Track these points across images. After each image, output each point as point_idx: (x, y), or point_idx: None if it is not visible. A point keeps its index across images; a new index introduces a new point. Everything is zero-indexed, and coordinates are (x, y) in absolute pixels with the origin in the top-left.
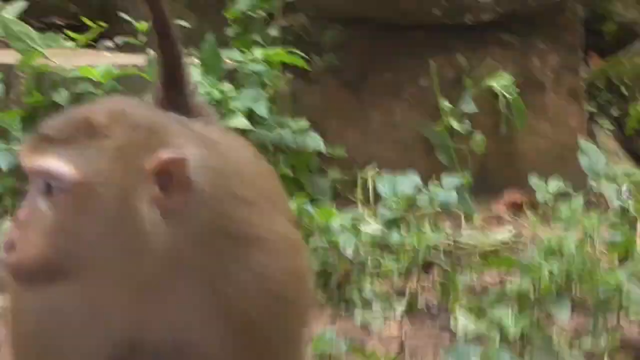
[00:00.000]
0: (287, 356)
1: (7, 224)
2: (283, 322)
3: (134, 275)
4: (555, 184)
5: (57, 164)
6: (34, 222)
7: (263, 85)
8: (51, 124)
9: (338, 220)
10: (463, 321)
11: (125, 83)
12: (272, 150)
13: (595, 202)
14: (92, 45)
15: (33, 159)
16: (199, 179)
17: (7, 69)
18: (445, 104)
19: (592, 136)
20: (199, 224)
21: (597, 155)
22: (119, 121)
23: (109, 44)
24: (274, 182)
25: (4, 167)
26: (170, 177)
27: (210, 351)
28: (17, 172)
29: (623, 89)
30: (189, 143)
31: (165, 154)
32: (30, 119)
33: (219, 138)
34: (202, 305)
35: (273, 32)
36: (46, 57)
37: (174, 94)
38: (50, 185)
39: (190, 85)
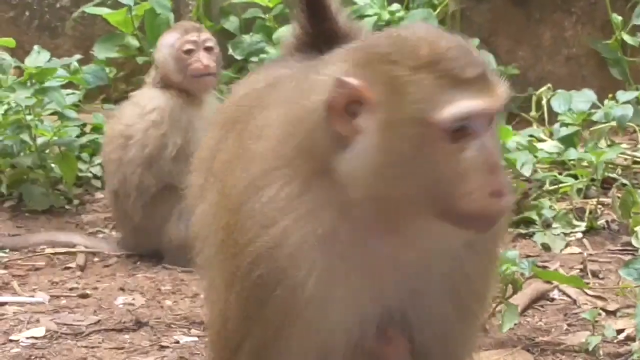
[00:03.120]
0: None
1: None
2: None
3: None
4: None
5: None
6: (501, 163)
7: (432, 5)
8: (471, 63)
9: (514, 139)
10: None
11: (294, 7)
12: None
13: None
14: None
15: (498, 96)
16: None
17: None
18: (617, 17)
19: None
20: None
21: None
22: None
23: None
24: None
25: None
26: None
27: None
28: None
29: None
30: None
31: None
32: None
33: None
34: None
35: None
36: None
37: (317, 21)
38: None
39: (332, 8)
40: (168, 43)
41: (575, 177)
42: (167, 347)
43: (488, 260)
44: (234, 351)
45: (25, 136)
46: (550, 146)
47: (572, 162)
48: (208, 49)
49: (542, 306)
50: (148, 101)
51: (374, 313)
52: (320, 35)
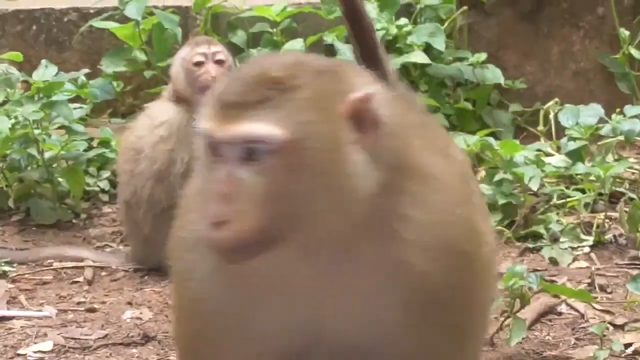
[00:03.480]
0: (471, 325)
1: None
2: (466, 281)
3: (342, 229)
4: None
5: (262, 127)
6: (241, 193)
7: (440, 20)
8: (232, 90)
9: (522, 153)
10: None
11: (301, 21)
12: (450, 85)
13: None
14: None
15: (230, 128)
16: (387, 114)
17: (183, 11)
18: (624, 32)
19: None
20: (388, 160)
21: None
22: (302, 70)
23: None
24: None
25: None
26: (362, 116)
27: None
28: None
29: None
30: (368, 81)
31: (356, 95)
32: None
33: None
34: (382, 265)
35: None
36: None
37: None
38: (253, 151)
39: (388, 72)
40: (180, 56)
41: (582, 191)
42: None
43: (444, 333)
44: (180, 348)
45: (32, 150)
46: (557, 160)
47: (579, 176)
48: (219, 62)
49: (549, 320)
50: (158, 114)
51: (293, 331)
52: None
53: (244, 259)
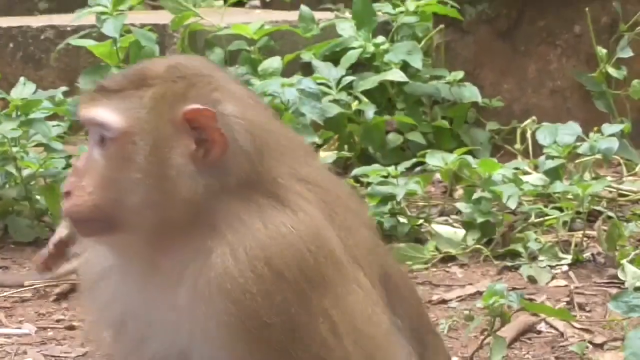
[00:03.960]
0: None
1: None
2: (285, 309)
3: (163, 226)
4: None
5: (106, 114)
6: (88, 171)
7: (416, 38)
8: (111, 77)
9: (500, 171)
10: (631, 270)
11: (278, 39)
12: (427, 103)
13: None
14: (240, 2)
15: (87, 109)
16: (237, 134)
17: (160, 29)
18: (601, 50)
19: None
20: (234, 178)
21: None
22: (168, 72)
23: (256, 1)
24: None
25: None
26: (203, 130)
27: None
28: None
29: None
30: (230, 100)
31: (194, 106)
32: None
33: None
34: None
35: None
36: (198, 16)
37: None
38: (103, 134)
39: None
40: None
41: (560, 209)
42: None
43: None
44: None
45: (10, 168)
46: (535, 179)
47: (557, 194)
48: None
49: (529, 339)
50: None
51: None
52: None
53: (87, 234)
